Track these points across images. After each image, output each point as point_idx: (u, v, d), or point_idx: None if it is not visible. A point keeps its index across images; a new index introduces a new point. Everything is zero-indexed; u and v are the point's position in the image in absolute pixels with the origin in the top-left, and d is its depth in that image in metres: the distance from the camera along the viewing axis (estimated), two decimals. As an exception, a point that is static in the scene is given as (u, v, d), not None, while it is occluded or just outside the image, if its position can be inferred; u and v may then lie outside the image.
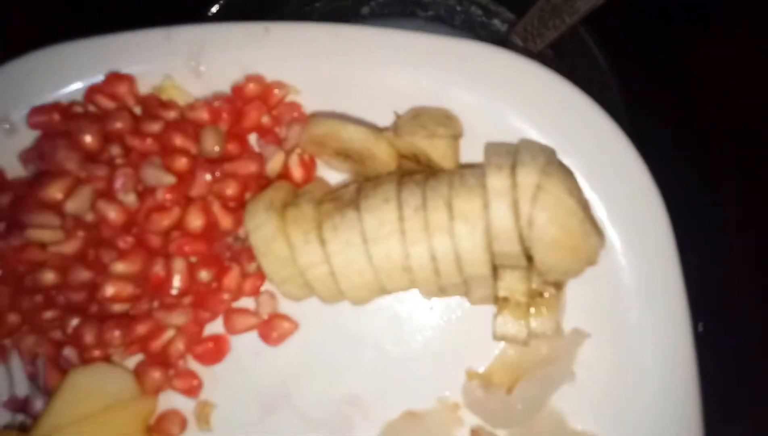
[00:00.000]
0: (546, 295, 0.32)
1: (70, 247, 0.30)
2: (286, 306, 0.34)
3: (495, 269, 0.31)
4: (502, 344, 0.33)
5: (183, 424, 0.33)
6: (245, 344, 0.34)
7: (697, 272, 0.44)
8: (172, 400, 0.33)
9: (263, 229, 0.30)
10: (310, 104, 0.34)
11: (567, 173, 0.31)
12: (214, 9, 0.42)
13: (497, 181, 0.29)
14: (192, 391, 0.32)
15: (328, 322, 0.34)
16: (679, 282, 0.31)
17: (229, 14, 0.42)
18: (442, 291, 0.31)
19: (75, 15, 0.45)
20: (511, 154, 0.30)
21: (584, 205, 0.30)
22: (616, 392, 0.32)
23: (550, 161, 0.30)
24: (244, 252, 0.32)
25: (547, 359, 0.31)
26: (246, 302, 0.34)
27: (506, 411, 0.31)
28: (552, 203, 0.29)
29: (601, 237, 0.30)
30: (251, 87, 0.33)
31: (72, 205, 0.29)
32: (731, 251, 0.45)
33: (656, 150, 0.42)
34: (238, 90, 0.33)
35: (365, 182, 0.32)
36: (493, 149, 0.31)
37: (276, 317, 0.33)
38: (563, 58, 0.41)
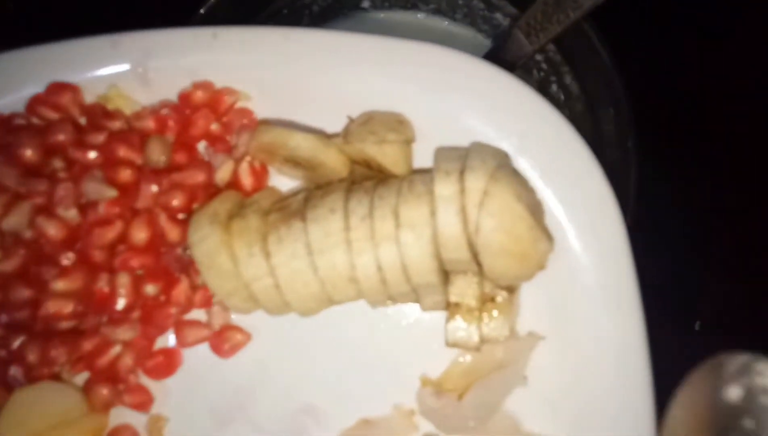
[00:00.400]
0: (499, 299, 0.31)
1: (9, 265, 0.29)
2: (239, 317, 0.33)
3: (446, 275, 0.31)
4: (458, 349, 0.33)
5: None
6: (198, 357, 0.33)
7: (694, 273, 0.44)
8: (124, 415, 0.32)
9: (206, 242, 0.29)
10: (261, 110, 0.34)
11: (517, 178, 0.30)
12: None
13: (444, 187, 0.29)
14: (143, 406, 0.32)
15: (281, 332, 0.33)
16: (633, 283, 0.31)
17: (223, 8, 0.41)
18: (392, 299, 0.31)
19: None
20: (461, 159, 0.30)
21: (534, 210, 0.30)
22: (571, 393, 0.32)
23: (501, 166, 0.30)
24: (194, 264, 0.32)
25: (500, 364, 0.31)
26: (198, 314, 0.33)
27: (458, 417, 0.31)
28: (499, 209, 0.28)
29: (551, 241, 0.30)
30: (199, 94, 0.32)
31: (9, 223, 0.29)
32: (733, 250, 0.46)
33: (663, 146, 0.43)
34: (185, 97, 0.32)
35: (314, 191, 0.31)
36: (442, 154, 0.30)
37: (228, 328, 0.33)
38: (567, 55, 0.42)
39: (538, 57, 0.44)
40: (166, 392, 0.33)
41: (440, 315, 0.33)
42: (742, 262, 0.46)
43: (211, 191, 0.33)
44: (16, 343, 0.30)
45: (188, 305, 0.32)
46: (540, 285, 0.32)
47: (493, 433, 0.32)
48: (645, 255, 0.39)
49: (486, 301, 0.31)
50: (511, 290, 0.31)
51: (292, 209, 0.30)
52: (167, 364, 0.32)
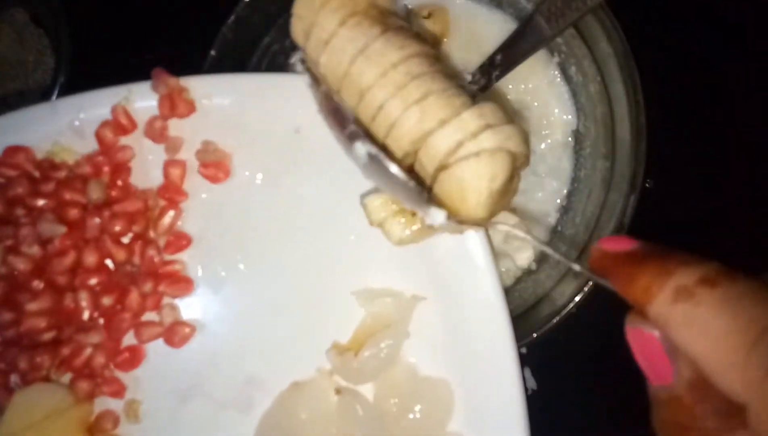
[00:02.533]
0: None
1: (-6, 295, 0.37)
2: (185, 313, 0.41)
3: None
4: (363, 315, 0.40)
5: (116, 421, 0.40)
6: (158, 349, 0.41)
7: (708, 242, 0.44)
8: (105, 403, 0.40)
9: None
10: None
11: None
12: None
13: (470, 121, 0.31)
14: (118, 393, 0.40)
15: (223, 320, 0.41)
16: (485, 252, 0.37)
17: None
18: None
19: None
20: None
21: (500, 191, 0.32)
22: (453, 341, 0.38)
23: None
24: (140, 276, 0.39)
25: (389, 323, 0.38)
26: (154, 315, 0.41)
27: (360, 370, 0.38)
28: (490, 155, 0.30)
29: (487, 219, 0.33)
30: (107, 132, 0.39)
31: (-12, 263, 0.37)
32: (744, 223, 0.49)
33: (674, 122, 0.46)
34: (101, 141, 0.39)
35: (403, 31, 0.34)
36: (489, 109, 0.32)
37: (176, 324, 0.40)
38: (585, 39, 0.44)
39: (559, 40, 0.46)
40: (136, 380, 0.40)
41: (350, 299, 0.40)
42: (757, 230, 0.49)
43: (148, 215, 0.40)
44: (11, 355, 0.39)
45: (141, 310, 0.40)
46: (422, 255, 0.39)
47: (395, 379, 0.39)
48: (656, 226, 0.42)
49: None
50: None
51: (384, 21, 0.33)
52: (132, 358, 0.40)
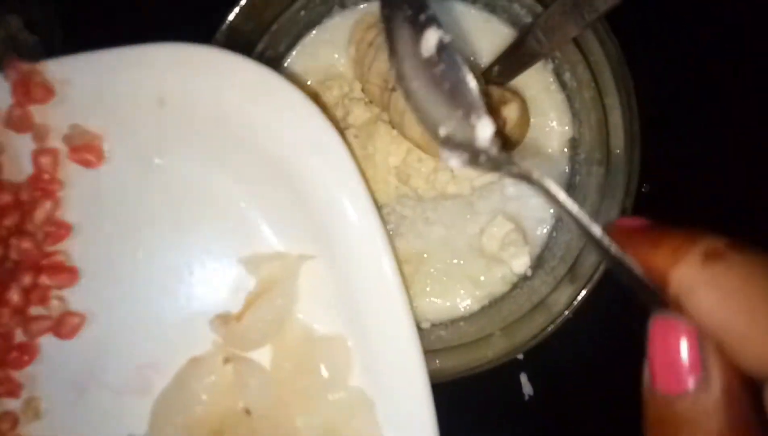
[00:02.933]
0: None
1: None
2: (76, 304, 0.40)
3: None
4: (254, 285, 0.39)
5: (14, 421, 0.39)
6: (50, 343, 0.39)
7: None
8: (2, 404, 0.39)
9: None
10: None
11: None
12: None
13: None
14: (13, 393, 0.39)
15: (114, 306, 0.40)
16: (368, 206, 0.36)
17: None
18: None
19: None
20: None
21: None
22: (344, 297, 0.37)
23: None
24: (18, 270, 0.38)
25: (272, 284, 0.37)
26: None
27: (247, 336, 0.37)
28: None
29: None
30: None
31: None
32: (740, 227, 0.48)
33: (668, 130, 0.46)
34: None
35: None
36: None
37: (65, 315, 0.39)
38: (579, 45, 0.43)
39: (553, 47, 0.46)
40: (32, 377, 0.40)
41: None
42: (754, 233, 0.49)
43: (26, 208, 0.39)
44: None
45: (26, 304, 0.39)
46: (308, 216, 0.38)
47: (291, 339, 0.38)
48: None
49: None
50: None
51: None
52: (24, 355, 0.39)
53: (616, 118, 0.42)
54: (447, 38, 0.30)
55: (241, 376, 0.37)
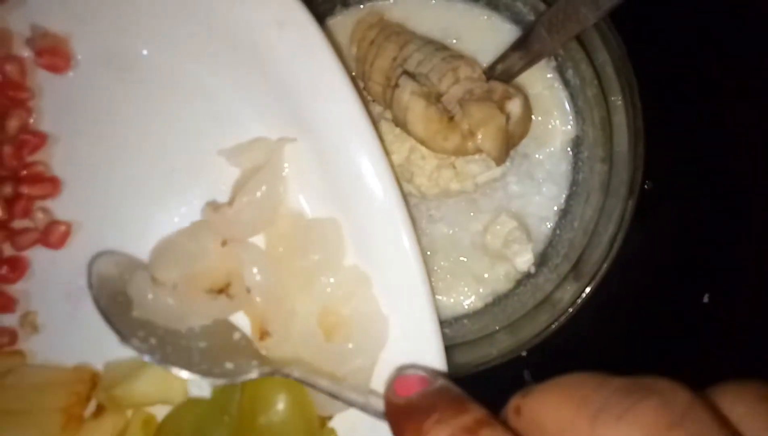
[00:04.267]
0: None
1: None
2: (62, 213, 0.40)
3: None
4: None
5: (13, 336, 0.40)
6: (41, 256, 0.40)
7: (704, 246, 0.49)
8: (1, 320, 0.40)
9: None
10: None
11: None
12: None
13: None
14: (7, 307, 0.40)
15: (99, 213, 0.40)
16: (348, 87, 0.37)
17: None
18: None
19: None
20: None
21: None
22: (332, 181, 0.38)
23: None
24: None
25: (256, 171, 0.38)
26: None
27: (239, 221, 0.38)
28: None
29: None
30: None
31: None
32: (743, 223, 0.50)
33: (670, 124, 0.47)
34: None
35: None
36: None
37: (52, 224, 0.40)
38: (582, 43, 0.44)
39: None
40: (26, 292, 0.40)
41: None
42: (752, 232, 0.50)
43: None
44: None
45: (9, 217, 0.39)
46: (283, 98, 0.38)
47: (284, 224, 0.39)
48: (655, 227, 0.47)
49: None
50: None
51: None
52: (15, 269, 0.40)
53: (619, 116, 0.43)
54: None
55: (239, 256, 0.37)
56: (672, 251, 0.50)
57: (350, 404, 0.33)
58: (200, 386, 0.37)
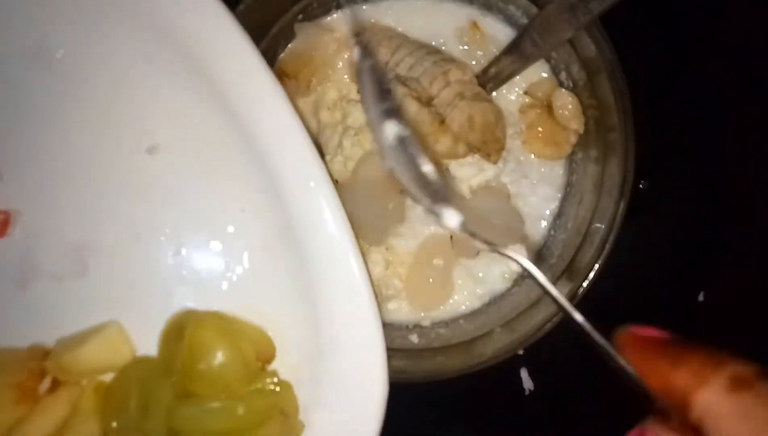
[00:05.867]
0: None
1: None
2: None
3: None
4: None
5: None
6: None
7: (697, 245, 0.49)
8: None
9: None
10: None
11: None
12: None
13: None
14: None
15: (38, 200, 0.41)
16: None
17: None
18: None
19: None
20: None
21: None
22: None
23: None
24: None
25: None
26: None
27: None
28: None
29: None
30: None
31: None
32: (737, 222, 0.50)
33: (661, 129, 0.47)
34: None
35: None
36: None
37: None
38: (575, 47, 0.44)
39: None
40: None
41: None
42: (747, 230, 0.50)
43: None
44: None
45: None
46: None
47: None
48: (649, 226, 0.47)
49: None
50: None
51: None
52: None
53: (611, 117, 0.43)
54: (405, 132, 0.30)
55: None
56: (667, 249, 0.49)
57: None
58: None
